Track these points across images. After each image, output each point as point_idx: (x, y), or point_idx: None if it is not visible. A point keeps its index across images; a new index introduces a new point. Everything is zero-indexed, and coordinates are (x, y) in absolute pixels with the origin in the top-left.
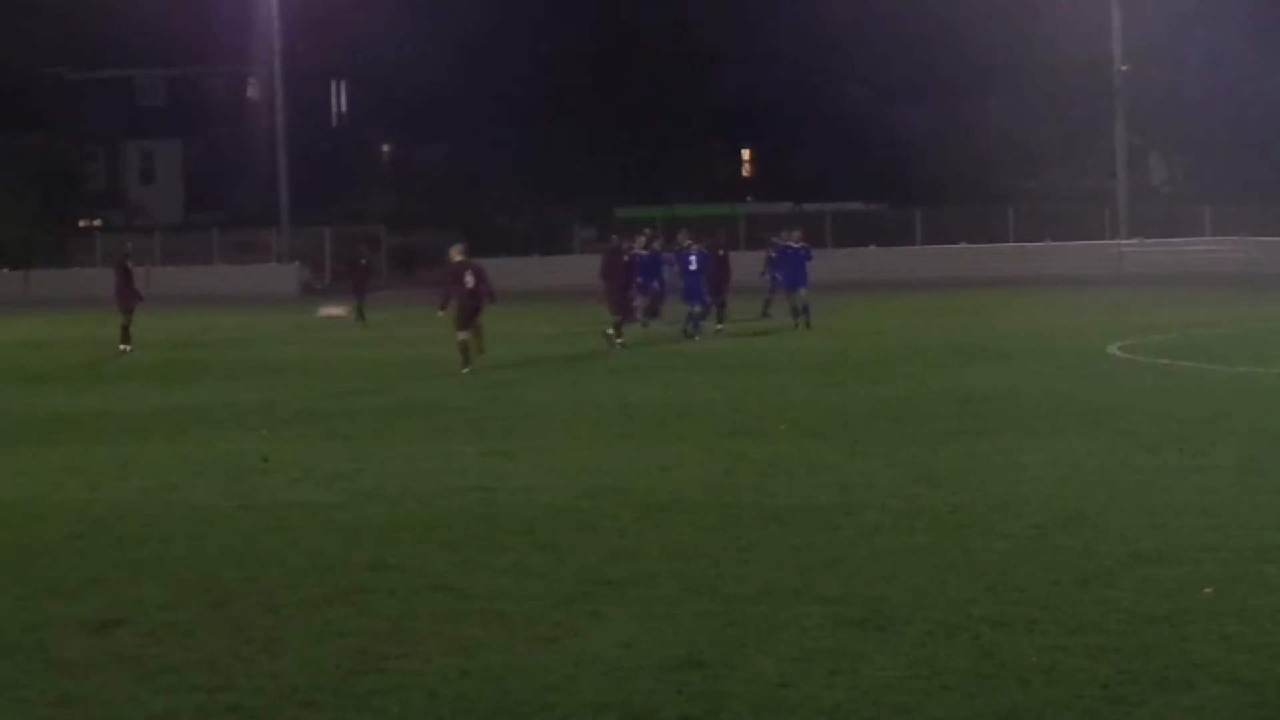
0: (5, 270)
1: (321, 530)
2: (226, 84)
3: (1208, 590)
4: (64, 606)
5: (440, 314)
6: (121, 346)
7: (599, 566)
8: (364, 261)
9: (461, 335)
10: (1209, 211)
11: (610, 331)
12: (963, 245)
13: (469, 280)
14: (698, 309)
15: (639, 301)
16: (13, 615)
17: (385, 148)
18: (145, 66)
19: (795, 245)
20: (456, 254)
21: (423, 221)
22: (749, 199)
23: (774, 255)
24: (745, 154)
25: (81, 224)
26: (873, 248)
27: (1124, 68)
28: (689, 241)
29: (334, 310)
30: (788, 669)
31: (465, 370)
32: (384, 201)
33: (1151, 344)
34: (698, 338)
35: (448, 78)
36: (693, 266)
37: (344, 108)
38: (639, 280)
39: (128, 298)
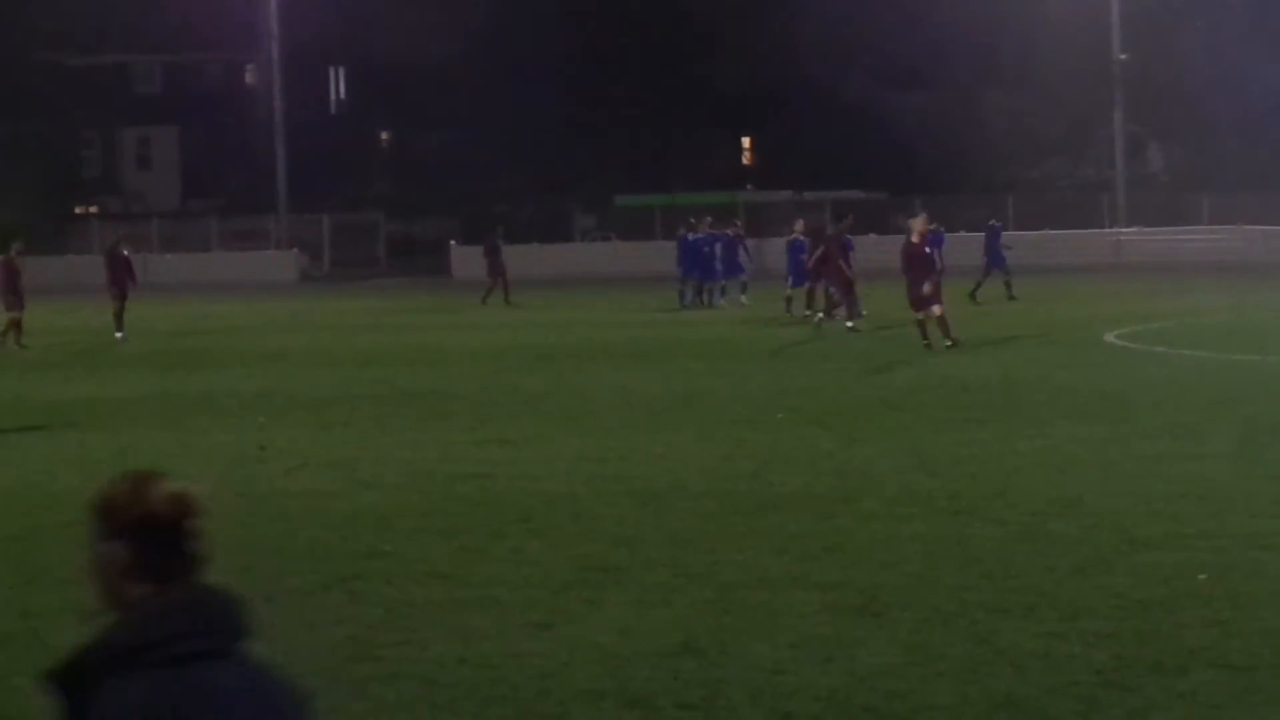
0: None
1: (318, 518)
2: (224, 70)
3: (1202, 576)
4: (58, 595)
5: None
6: (117, 334)
7: (596, 554)
8: (496, 243)
9: (934, 309)
10: (1207, 201)
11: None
12: (962, 233)
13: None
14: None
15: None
16: (7, 603)
17: (384, 135)
18: (142, 53)
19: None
20: (920, 224)
21: (422, 209)
22: (749, 187)
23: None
24: (745, 142)
25: (78, 210)
26: (872, 236)
27: (1123, 57)
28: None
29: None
30: (784, 655)
31: (948, 344)
32: (383, 189)
33: (1149, 332)
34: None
35: (447, 65)
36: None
37: (342, 94)
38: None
39: (121, 285)
